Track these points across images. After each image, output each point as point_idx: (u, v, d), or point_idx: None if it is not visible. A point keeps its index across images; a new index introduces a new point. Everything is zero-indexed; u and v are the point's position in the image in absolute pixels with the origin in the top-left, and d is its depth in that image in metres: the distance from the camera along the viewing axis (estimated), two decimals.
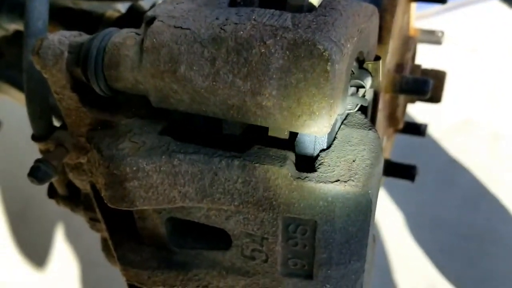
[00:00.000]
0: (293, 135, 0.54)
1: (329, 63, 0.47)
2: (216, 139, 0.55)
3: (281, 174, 0.51)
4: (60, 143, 0.64)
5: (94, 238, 1.69)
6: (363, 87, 0.55)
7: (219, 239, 0.60)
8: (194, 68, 0.51)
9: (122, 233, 0.66)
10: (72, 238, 1.77)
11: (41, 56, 0.58)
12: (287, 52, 0.48)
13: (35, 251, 1.75)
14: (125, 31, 0.56)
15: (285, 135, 0.53)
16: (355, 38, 0.52)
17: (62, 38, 0.58)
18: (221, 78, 0.50)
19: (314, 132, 0.49)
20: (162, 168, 0.54)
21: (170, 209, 0.59)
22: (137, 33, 0.56)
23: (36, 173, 0.61)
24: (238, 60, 0.49)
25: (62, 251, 1.75)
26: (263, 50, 0.49)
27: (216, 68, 0.50)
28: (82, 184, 0.72)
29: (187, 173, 0.54)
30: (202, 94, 0.51)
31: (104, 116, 0.60)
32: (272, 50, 0.48)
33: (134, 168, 0.54)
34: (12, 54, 1.09)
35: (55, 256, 1.74)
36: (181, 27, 0.52)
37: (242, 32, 0.50)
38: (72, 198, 0.77)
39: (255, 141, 0.55)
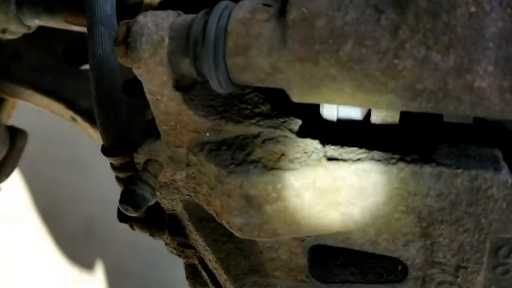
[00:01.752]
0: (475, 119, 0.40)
1: None
2: (381, 137, 0.42)
3: (497, 181, 0.38)
4: (153, 157, 0.50)
5: (121, 248, 1.62)
6: None
7: (373, 268, 0.47)
8: (367, 43, 0.37)
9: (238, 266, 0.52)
10: (99, 249, 1.67)
11: (131, 46, 0.43)
12: (509, 10, 0.34)
13: (61, 265, 1.64)
14: (248, 3, 0.42)
15: (469, 119, 0.40)
16: None
17: (158, 20, 0.43)
18: (407, 54, 0.36)
19: None
20: (317, 184, 0.40)
21: (318, 235, 0.45)
22: (266, 4, 0.41)
23: (132, 199, 0.47)
24: (434, 27, 0.36)
25: (88, 263, 1.64)
26: (473, 10, 0.35)
27: (400, 40, 0.36)
28: (170, 204, 0.58)
29: (353, 188, 0.40)
30: (376, 78, 0.37)
31: (215, 120, 0.46)
32: (487, 9, 0.35)
33: (279, 186, 0.41)
34: (32, 56, 0.95)
35: (82, 269, 1.64)
36: None
37: None
38: (151, 220, 0.63)
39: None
